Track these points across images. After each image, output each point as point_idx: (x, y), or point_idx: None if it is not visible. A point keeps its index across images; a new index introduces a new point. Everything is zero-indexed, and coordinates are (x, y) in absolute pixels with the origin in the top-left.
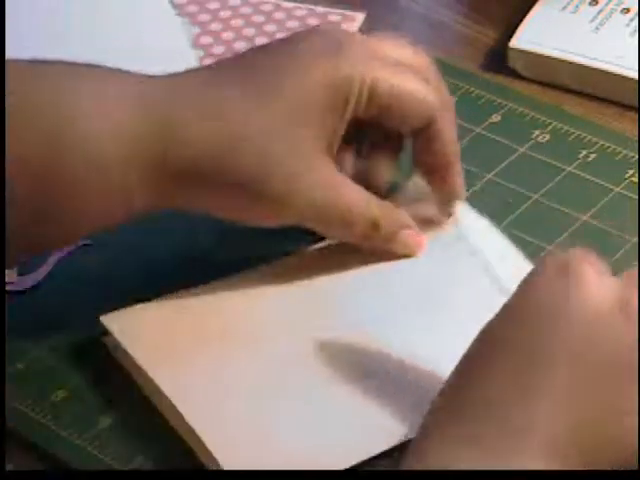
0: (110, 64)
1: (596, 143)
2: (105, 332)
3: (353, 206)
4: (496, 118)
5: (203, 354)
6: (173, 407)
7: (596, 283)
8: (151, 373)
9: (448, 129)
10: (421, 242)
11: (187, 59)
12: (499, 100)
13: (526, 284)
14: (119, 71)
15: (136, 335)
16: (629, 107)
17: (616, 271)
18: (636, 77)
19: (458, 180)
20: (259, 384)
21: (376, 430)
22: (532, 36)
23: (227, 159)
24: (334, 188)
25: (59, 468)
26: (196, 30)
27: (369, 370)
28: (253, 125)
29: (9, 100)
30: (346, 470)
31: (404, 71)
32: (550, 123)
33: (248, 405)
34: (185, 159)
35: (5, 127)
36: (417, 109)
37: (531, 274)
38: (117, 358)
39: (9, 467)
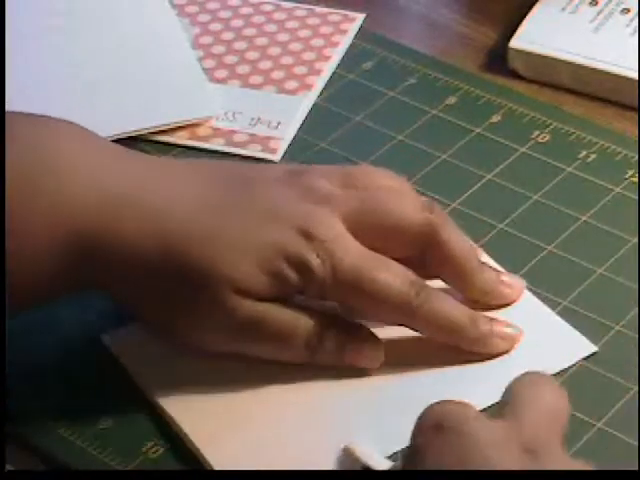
0: (110, 65)
1: (596, 143)
2: (105, 332)
3: (284, 325)
4: (496, 118)
5: (199, 369)
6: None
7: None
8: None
9: (452, 237)
10: (377, 356)
11: (187, 59)
12: (499, 100)
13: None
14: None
15: (135, 355)
16: (629, 107)
17: (616, 271)
18: (636, 77)
19: (485, 279)
20: (254, 392)
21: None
22: (532, 36)
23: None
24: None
25: (59, 468)
26: (196, 30)
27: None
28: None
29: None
30: (346, 470)
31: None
32: (550, 123)
33: (241, 411)
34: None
35: (4, 131)
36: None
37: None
38: (117, 358)
39: (9, 467)
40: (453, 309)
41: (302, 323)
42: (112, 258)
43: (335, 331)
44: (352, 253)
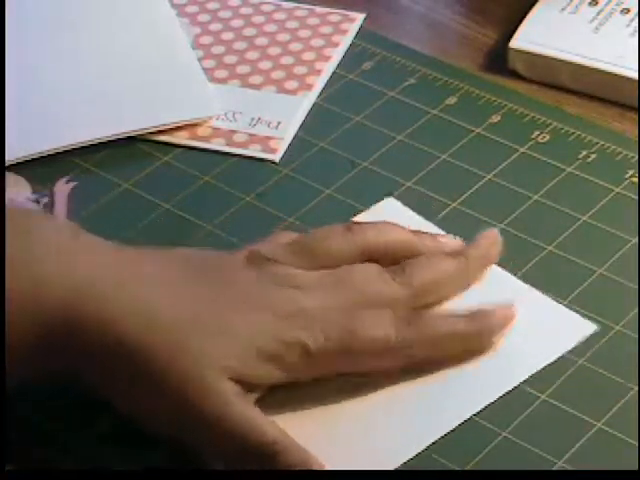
0: (110, 64)
1: (596, 143)
2: None
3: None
4: (496, 118)
5: None
6: None
7: None
8: None
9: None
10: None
11: (187, 59)
12: (499, 100)
13: None
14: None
15: None
16: (629, 107)
17: (616, 271)
18: (636, 77)
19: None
20: None
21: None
22: (532, 36)
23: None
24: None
25: (59, 468)
26: (196, 30)
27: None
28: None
29: None
30: (349, 470)
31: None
32: (550, 123)
33: None
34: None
35: (4, 133)
36: None
37: None
38: None
39: (9, 467)
40: (449, 323)
41: (268, 434)
42: (91, 347)
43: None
44: (337, 316)
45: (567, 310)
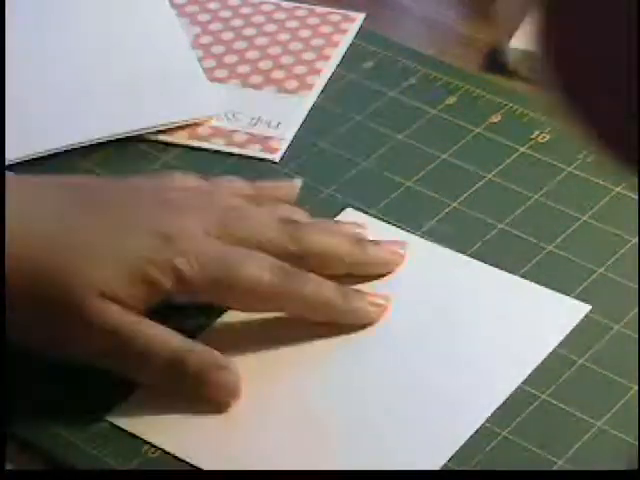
0: (110, 64)
1: None
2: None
3: (151, 340)
4: (496, 118)
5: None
6: None
7: None
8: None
9: (317, 237)
10: (237, 388)
11: (187, 59)
12: (499, 100)
13: None
14: None
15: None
16: None
17: (616, 271)
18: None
19: (371, 254)
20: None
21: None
22: (532, 36)
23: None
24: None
25: (59, 468)
26: (196, 30)
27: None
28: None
29: None
30: (352, 470)
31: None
32: (550, 123)
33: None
34: None
35: (4, 133)
36: None
37: None
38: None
39: (9, 467)
40: (323, 289)
41: (173, 342)
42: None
43: (197, 356)
44: (216, 248)
45: (559, 295)
